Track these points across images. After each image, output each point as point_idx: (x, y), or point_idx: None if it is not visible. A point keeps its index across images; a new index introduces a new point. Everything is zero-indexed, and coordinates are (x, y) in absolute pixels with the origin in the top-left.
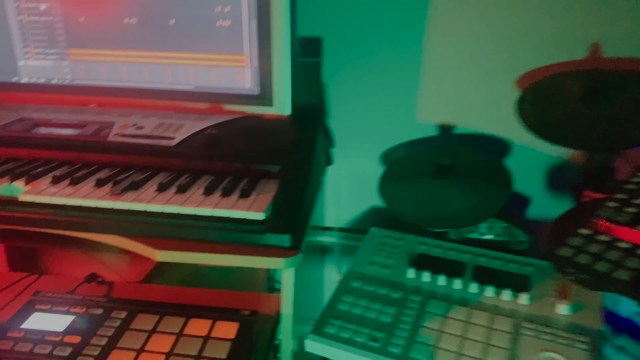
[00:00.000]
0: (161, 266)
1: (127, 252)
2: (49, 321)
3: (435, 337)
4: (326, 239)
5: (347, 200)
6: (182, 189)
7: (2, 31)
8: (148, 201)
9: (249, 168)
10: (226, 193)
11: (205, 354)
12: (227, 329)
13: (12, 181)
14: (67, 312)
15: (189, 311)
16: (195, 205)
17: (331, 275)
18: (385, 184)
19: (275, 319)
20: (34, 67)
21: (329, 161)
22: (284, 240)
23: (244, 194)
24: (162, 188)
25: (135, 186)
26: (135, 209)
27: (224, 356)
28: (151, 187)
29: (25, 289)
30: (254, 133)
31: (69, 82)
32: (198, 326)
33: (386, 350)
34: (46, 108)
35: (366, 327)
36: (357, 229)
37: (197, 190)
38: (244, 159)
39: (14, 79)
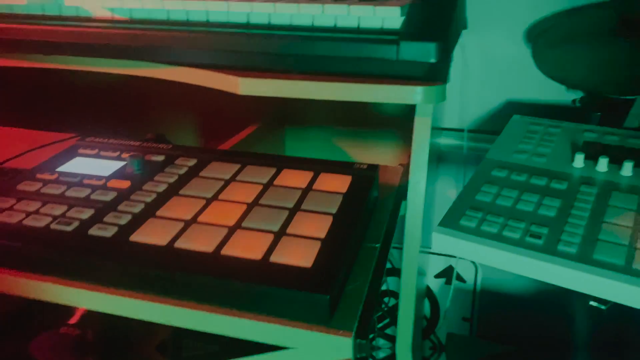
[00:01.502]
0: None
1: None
2: (92, 166)
3: (629, 235)
4: (445, 141)
5: (474, 92)
6: None
7: None
8: (232, 1)
9: None
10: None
11: (306, 207)
12: (336, 183)
13: None
14: (117, 158)
15: (282, 162)
16: (296, 2)
17: (444, 192)
18: (542, 50)
19: (397, 192)
20: None
21: (463, 23)
22: (429, 51)
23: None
24: None
25: None
26: (215, 16)
27: (333, 210)
28: None
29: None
30: None
31: None
32: (294, 177)
33: (555, 249)
34: None
35: (521, 221)
36: (488, 129)
37: None
38: None
39: None
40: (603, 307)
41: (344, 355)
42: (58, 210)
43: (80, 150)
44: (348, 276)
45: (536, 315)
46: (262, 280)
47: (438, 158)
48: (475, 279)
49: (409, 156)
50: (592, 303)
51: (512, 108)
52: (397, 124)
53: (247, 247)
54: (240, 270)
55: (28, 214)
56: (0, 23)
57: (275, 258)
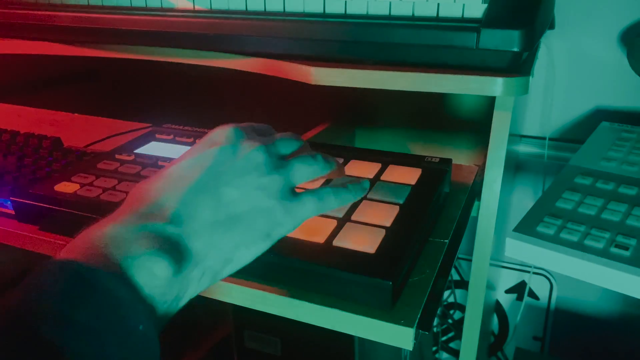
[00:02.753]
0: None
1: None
2: (167, 149)
3: None
4: (524, 149)
5: (559, 97)
6: None
7: None
8: None
9: None
10: None
11: (373, 196)
12: (405, 174)
13: None
14: (191, 144)
15: (350, 152)
16: None
17: (521, 202)
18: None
19: (470, 190)
20: None
21: (550, 23)
22: (512, 39)
23: None
24: None
25: None
26: (291, 6)
27: (400, 201)
28: None
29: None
30: None
31: None
32: (362, 167)
33: None
34: None
35: (605, 230)
36: (572, 138)
37: None
38: None
39: None
40: None
41: (404, 345)
42: (131, 187)
43: (157, 135)
44: (413, 267)
45: (615, 340)
46: (326, 262)
47: (516, 166)
48: (549, 297)
49: (485, 155)
50: None
51: (601, 116)
52: (471, 126)
53: (313, 232)
54: (304, 252)
55: (105, 190)
56: (90, 13)
57: (338, 242)
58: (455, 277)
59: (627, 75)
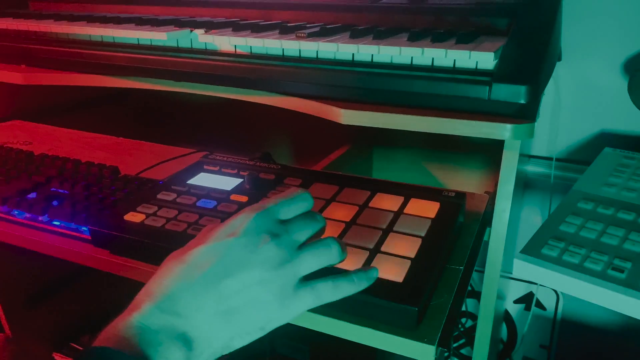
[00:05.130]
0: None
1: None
2: (215, 181)
3: None
4: (532, 169)
5: (565, 120)
6: (380, 36)
7: None
8: (340, 42)
9: (465, 22)
10: (438, 39)
11: (398, 229)
12: (425, 208)
13: (192, 30)
14: (236, 175)
15: (376, 185)
16: (398, 46)
17: (529, 217)
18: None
19: (482, 219)
20: None
21: (557, 56)
22: (519, 93)
23: (463, 40)
24: (355, 35)
25: (324, 33)
26: (324, 54)
27: (422, 234)
28: (343, 35)
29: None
30: None
31: None
32: (386, 201)
33: (637, 284)
34: None
35: (604, 253)
36: (577, 159)
37: (400, 38)
38: (459, 12)
39: None
40: None
41: None
42: (192, 218)
43: (205, 167)
44: (433, 293)
45: (620, 349)
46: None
47: (525, 184)
48: (556, 307)
49: (495, 183)
50: None
51: (605, 139)
52: (484, 148)
53: (347, 262)
54: None
55: (168, 220)
56: (143, 54)
57: None
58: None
59: (630, 102)
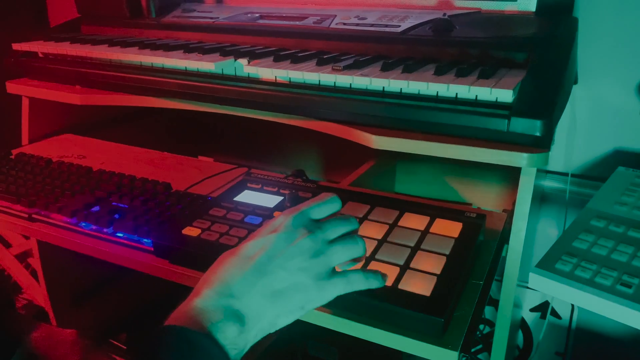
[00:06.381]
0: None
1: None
2: (259, 198)
3: None
4: (549, 184)
5: (581, 138)
6: (408, 69)
7: None
8: (373, 77)
9: (487, 55)
10: (461, 74)
11: (425, 247)
12: (449, 228)
13: (236, 59)
14: (277, 193)
15: (404, 205)
16: (426, 81)
17: (545, 230)
18: None
19: (500, 236)
20: None
21: (573, 80)
22: (534, 127)
23: (484, 75)
24: (386, 67)
25: (358, 65)
26: (357, 85)
27: (447, 252)
28: (374, 67)
29: (237, 177)
30: (492, 23)
31: None
32: (414, 220)
33: None
34: (270, 6)
35: (613, 269)
36: (592, 175)
37: (427, 72)
38: (481, 45)
39: None
40: None
41: None
42: (241, 233)
43: (249, 184)
44: (456, 305)
45: (634, 357)
46: (394, 302)
47: (541, 198)
48: (571, 316)
49: (512, 202)
50: None
51: (619, 157)
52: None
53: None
54: (376, 292)
55: (221, 235)
56: (191, 81)
57: (402, 286)
58: None
59: None
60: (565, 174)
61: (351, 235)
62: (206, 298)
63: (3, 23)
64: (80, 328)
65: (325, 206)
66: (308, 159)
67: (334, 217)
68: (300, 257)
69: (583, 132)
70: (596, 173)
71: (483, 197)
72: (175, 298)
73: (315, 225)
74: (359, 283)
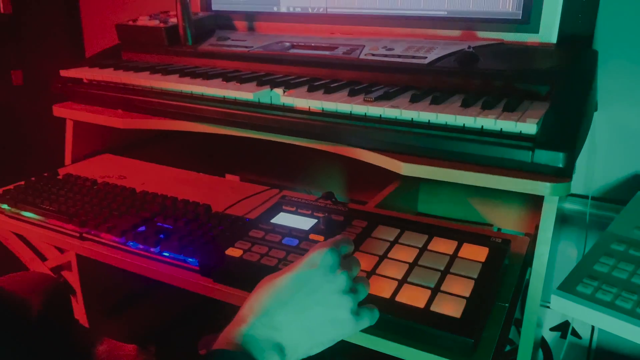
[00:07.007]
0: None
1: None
2: (294, 220)
3: None
4: (569, 206)
5: (601, 161)
6: (436, 101)
7: None
8: (403, 108)
9: (510, 87)
10: (487, 106)
11: (454, 270)
12: (476, 252)
13: (272, 88)
14: (311, 216)
15: (432, 230)
16: (454, 114)
17: (566, 250)
18: None
19: (524, 260)
20: None
21: (594, 107)
22: (557, 158)
23: (509, 108)
24: (415, 99)
25: (388, 96)
26: (388, 115)
27: (475, 276)
28: (404, 98)
29: (270, 198)
30: (516, 55)
31: (324, 10)
32: (442, 245)
33: None
34: (300, 35)
35: (633, 293)
36: (612, 198)
37: (454, 103)
38: (505, 78)
39: (275, 9)
40: None
41: None
42: (280, 254)
43: (284, 207)
44: (484, 326)
45: None
46: (427, 323)
47: (562, 219)
48: (591, 336)
49: (534, 225)
50: None
51: (639, 181)
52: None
53: (413, 298)
54: (411, 314)
55: (262, 256)
56: (230, 109)
57: (434, 308)
58: None
59: None
60: (586, 197)
61: (364, 277)
62: (252, 327)
63: (43, 46)
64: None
65: (347, 245)
66: (332, 176)
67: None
68: (337, 294)
69: (603, 155)
70: (616, 196)
71: (504, 217)
72: (199, 312)
73: (345, 264)
74: (377, 315)
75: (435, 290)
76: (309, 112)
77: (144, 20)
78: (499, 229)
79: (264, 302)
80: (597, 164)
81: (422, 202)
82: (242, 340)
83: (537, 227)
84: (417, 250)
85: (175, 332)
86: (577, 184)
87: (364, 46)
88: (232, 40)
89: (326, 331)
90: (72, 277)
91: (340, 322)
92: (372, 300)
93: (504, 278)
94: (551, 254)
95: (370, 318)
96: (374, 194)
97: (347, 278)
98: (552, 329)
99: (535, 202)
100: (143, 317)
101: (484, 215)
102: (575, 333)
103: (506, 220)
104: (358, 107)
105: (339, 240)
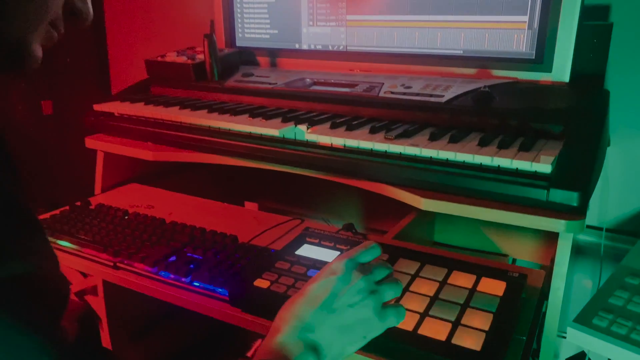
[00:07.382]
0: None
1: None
2: (317, 252)
3: None
4: (584, 237)
5: (615, 193)
6: (454, 139)
7: (294, 3)
8: (422, 147)
9: (525, 126)
10: (503, 145)
11: (473, 304)
12: (494, 286)
13: (296, 125)
14: (333, 247)
15: (452, 263)
16: (471, 153)
17: (580, 281)
18: None
19: (540, 293)
20: (315, 34)
21: (607, 142)
22: (572, 198)
23: (524, 148)
24: (433, 137)
25: (407, 134)
26: (408, 153)
27: (493, 310)
28: (423, 136)
29: (292, 228)
30: (530, 94)
31: (343, 47)
32: (461, 278)
33: None
34: (320, 71)
35: None
36: (627, 230)
37: (471, 142)
38: (520, 117)
39: (297, 46)
40: None
41: None
42: (302, 285)
43: (307, 239)
44: (504, 359)
45: None
46: (449, 356)
47: (577, 250)
48: None
49: (550, 257)
50: None
51: None
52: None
53: (435, 331)
54: (433, 346)
55: (288, 287)
56: (256, 144)
57: (455, 341)
58: None
59: None
60: (600, 229)
61: (394, 278)
62: (286, 333)
63: (72, 77)
64: None
65: (369, 252)
66: (349, 205)
67: (376, 261)
68: (360, 295)
69: (616, 187)
70: (630, 228)
71: (519, 248)
72: (220, 338)
73: (365, 269)
74: (404, 313)
75: (456, 324)
76: (331, 148)
77: (172, 57)
78: (514, 260)
79: (294, 310)
80: (611, 196)
81: (439, 232)
82: (278, 347)
83: (552, 260)
84: (438, 284)
85: (196, 358)
86: (592, 215)
87: (383, 84)
88: (256, 76)
89: (355, 330)
90: (97, 302)
91: (366, 321)
92: (395, 333)
93: (521, 311)
94: (566, 286)
95: (396, 316)
96: (391, 223)
97: (365, 280)
98: None
99: (550, 234)
100: (165, 342)
101: (499, 245)
102: None
103: (521, 251)
104: (379, 145)
105: (356, 250)
